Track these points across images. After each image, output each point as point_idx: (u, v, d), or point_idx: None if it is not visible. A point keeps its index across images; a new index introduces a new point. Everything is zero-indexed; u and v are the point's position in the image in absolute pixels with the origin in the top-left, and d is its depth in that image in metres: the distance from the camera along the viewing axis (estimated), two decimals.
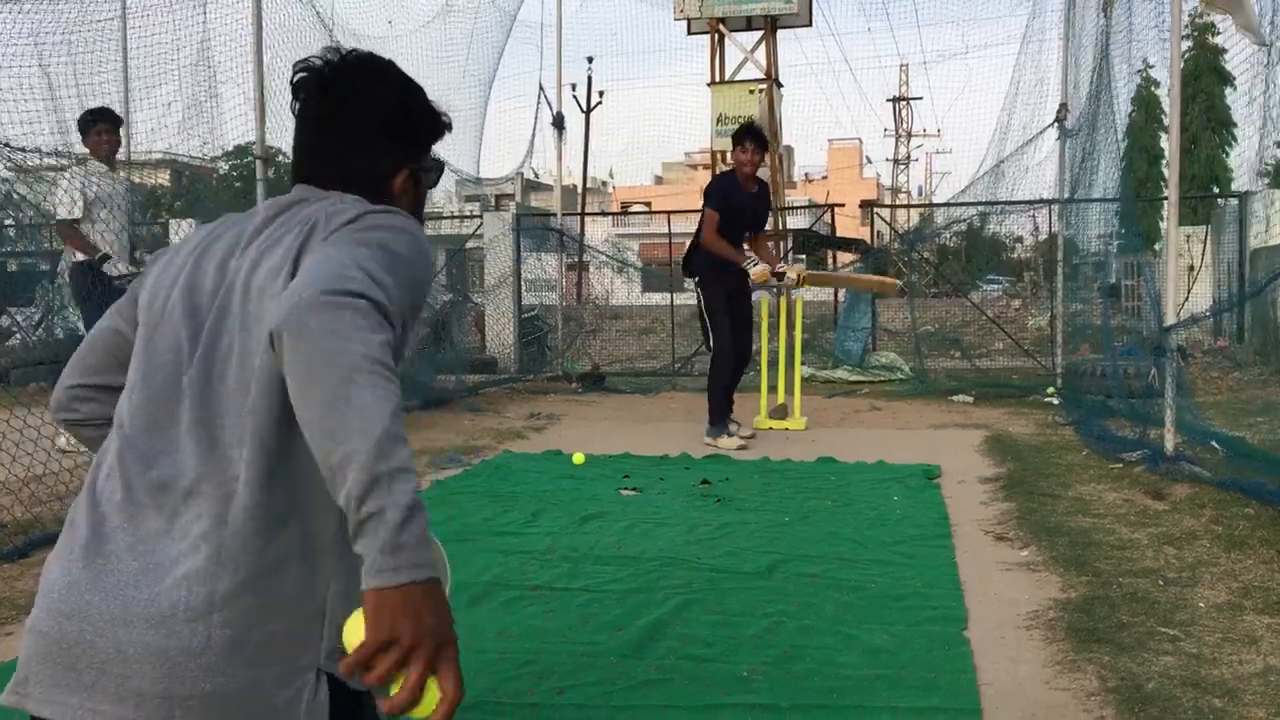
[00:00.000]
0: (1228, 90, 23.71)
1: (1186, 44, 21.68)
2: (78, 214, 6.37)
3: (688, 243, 7.36)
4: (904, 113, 52.71)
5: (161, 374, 1.46)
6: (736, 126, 11.10)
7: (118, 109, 7.51)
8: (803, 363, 8.85)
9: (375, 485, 1.13)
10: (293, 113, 1.61)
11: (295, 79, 1.59)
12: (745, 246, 7.19)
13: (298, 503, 1.38)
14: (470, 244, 13.01)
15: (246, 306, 1.43)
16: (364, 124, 1.58)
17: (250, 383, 1.38)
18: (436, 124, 1.67)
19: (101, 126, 6.45)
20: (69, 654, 1.35)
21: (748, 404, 7.68)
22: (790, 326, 8.33)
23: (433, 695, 1.15)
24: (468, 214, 16.52)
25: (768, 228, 7.35)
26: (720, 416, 7.00)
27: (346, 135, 1.58)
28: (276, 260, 1.44)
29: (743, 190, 7.04)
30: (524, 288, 12.36)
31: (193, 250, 1.55)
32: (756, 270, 7.02)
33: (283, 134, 7.07)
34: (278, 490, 1.36)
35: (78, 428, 1.65)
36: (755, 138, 7.09)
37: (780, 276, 7.27)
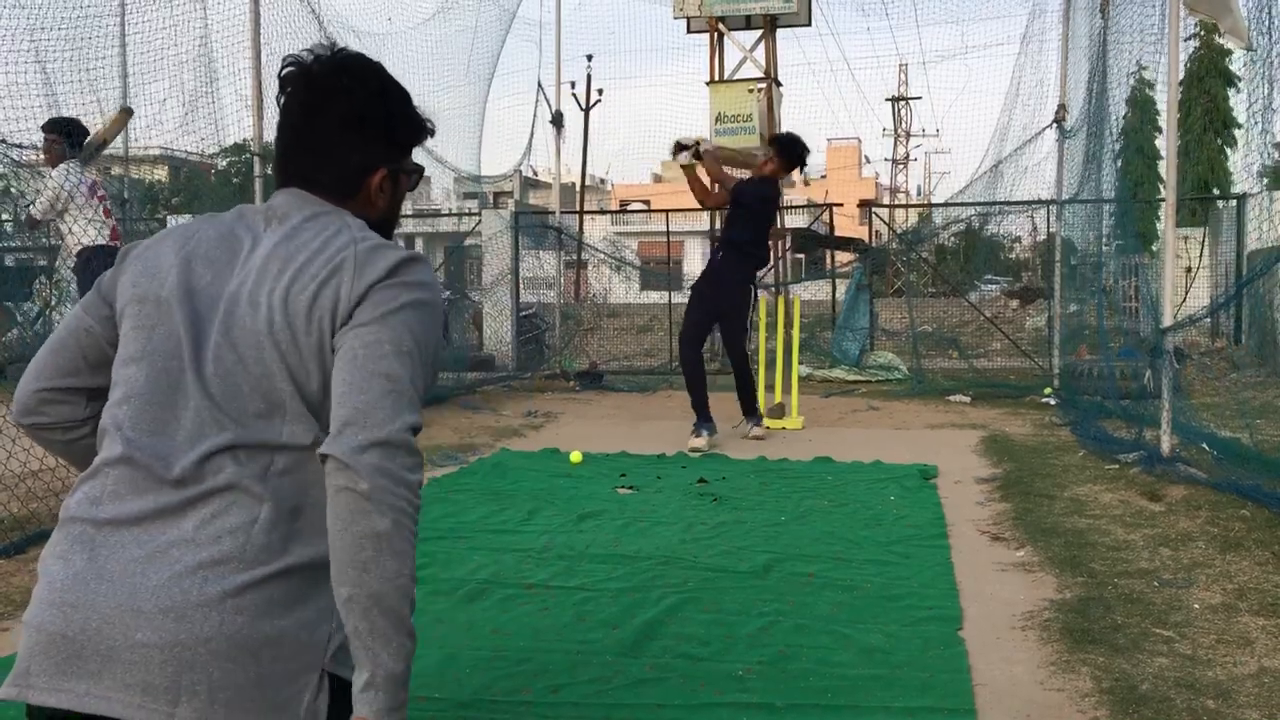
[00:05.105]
0: (1231, 91, 23.69)
1: (1193, 44, 21.59)
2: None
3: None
4: (903, 112, 52.75)
5: (166, 378, 1.48)
6: (735, 125, 11.15)
7: (115, 104, 7.52)
8: (800, 362, 8.86)
9: (377, 634, 1.34)
10: (277, 105, 1.63)
11: (283, 73, 1.61)
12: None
13: (321, 520, 1.43)
14: (468, 241, 13.01)
15: (257, 323, 1.47)
16: (344, 118, 1.59)
17: (265, 399, 1.46)
18: (418, 126, 1.69)
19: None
20: (74, 643, 1.36)
21: None
22: (788, 325, 8.34)
23: None
24: (466, 211, 16.51)
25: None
26: (696, 414, 7.00)
27: (327, 129, 1.60)
28: (293, 282, 1.48)
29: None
30: (522, 285, 12.35)
31: (178, 250, 1.56)
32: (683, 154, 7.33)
33: None
34: (308, 506, 1.45)
35: (43, 432, 1.63)
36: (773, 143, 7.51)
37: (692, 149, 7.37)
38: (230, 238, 1.56)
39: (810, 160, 7.58)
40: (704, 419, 6.94)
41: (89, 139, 6.76)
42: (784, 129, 11.86)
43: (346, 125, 1.60)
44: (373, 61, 1.66)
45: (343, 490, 1.35)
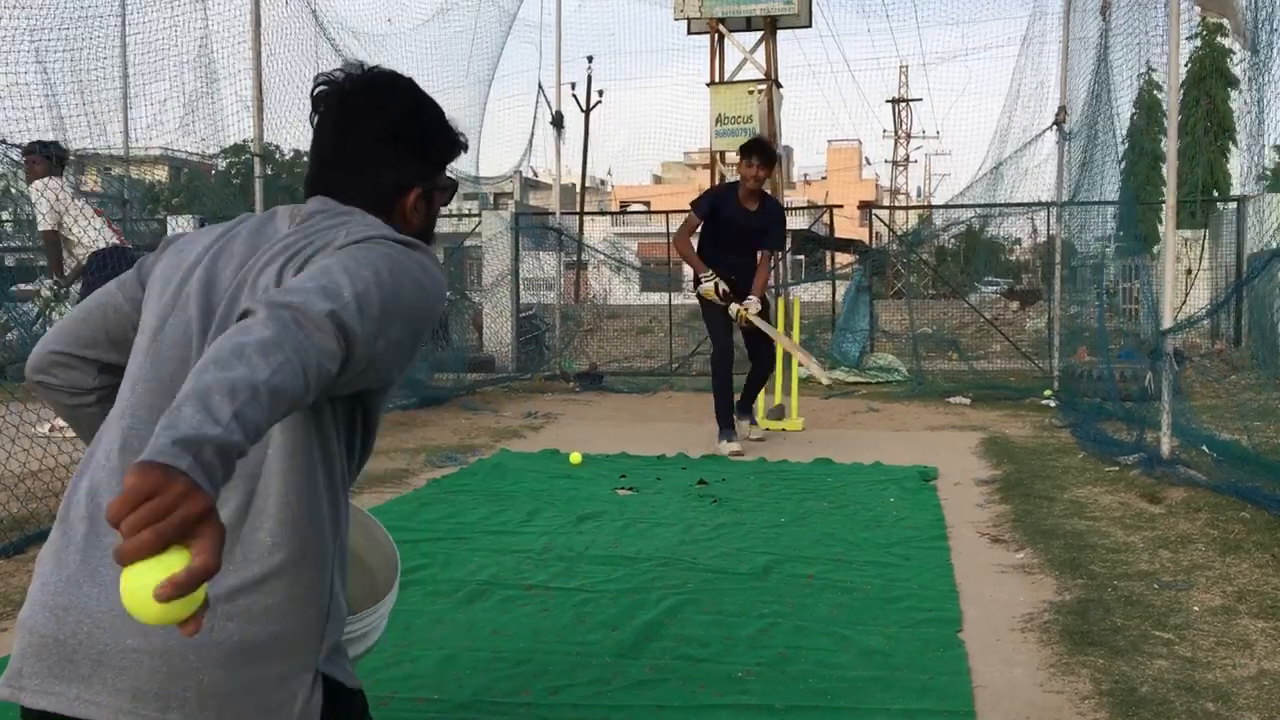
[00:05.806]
0: (1232, 93, 23.66)
1: (1194, 44, 21.52)
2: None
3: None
4: (903, 114, 52.74)
5: (169, 367, 1.48)
6: (736, 127, 11.13)
7: (116, 104, 7.57)
8: (800, 364, 8.85)
9: (219, 394, 1.05)
10: (311, 125, 1.63)
11: (316, 92, 1.61)
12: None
13: (313, 513, 1.41)
14: (469, 242, 13.01)
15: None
16: (377, 136, 1.59)
17: None
18: (451, 143, 1.68)
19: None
20: (65, 647, 1.35)
21: None
22: (788, 327, 8.34)
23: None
24: (466, 212, 16.50)
25: (773, 250, 7.04)
26: (721, 421, 6.93)
27: (360, 146, 1.59)
28: (289, 260, 1.47)
29: (738, 204, 6.81)
30: (522, 286, 12.36)
31: (209, 245, 1.56)
32: (704, 287, 6.73)
33: (280, 131, 7.06)
34: (299, 501, 1.39)
35: (49, 392, 1.66)
36: (761, 152, 6.74)
37: (727, 305, 6.73)
38: (257, 235, 1.56)
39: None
40: (729, 425, 6.88)
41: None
42: (784, 131, 11.87)
43: (380, 143, 1.59)
44: (405, 78, 1.65)
45: (242, 319, 1.19)
